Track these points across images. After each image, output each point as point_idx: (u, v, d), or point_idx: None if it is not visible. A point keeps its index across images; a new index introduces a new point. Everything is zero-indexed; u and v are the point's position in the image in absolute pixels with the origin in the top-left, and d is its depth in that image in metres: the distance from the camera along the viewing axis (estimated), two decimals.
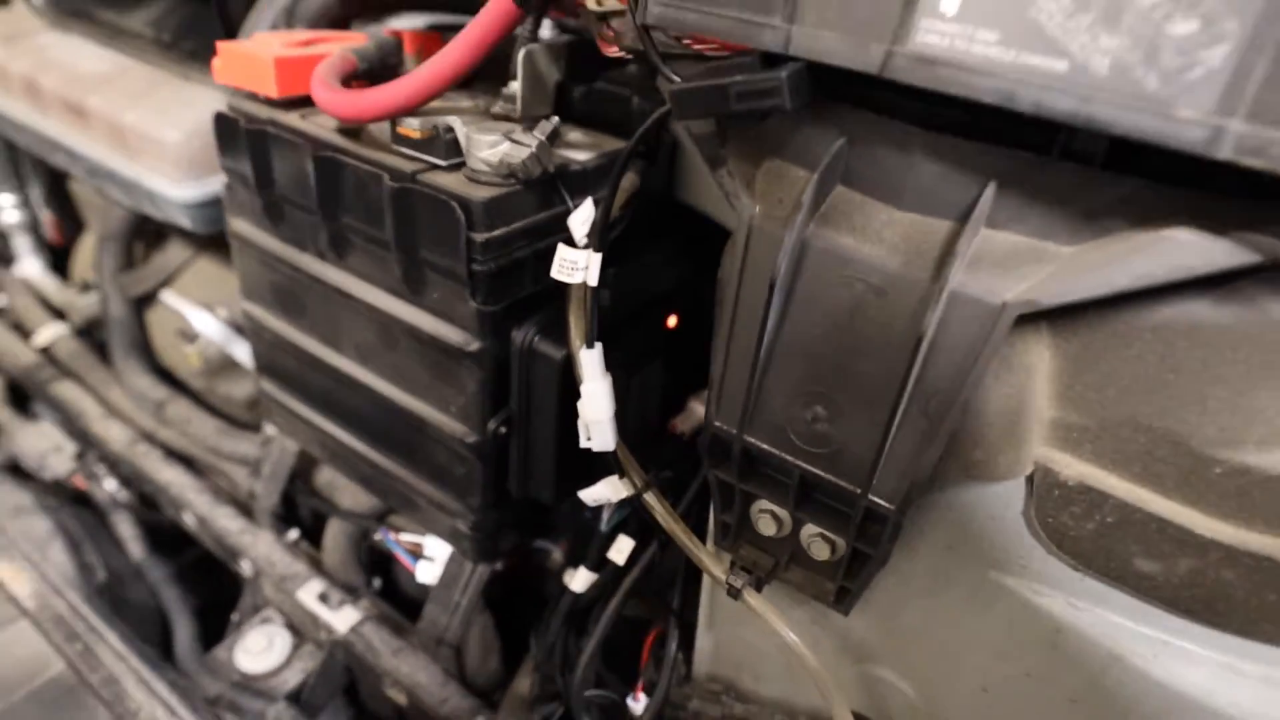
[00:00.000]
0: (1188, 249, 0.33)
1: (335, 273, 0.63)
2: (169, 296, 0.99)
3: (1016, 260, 0.36)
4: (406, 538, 0.79)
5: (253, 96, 0.65)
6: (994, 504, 0.44)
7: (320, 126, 0.60)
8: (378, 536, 0.81)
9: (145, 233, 1.10)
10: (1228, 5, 0.27)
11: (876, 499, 0.42)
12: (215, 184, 0.80)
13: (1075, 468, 0.40)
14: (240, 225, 0.70)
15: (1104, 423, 0.40)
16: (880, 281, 0.38)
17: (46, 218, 1.31)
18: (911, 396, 0.38)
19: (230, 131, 0.64)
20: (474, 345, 0.56)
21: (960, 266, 0.36)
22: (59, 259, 1.35)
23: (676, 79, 0.39)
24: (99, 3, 0.97)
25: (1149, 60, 0.29)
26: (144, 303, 1.09)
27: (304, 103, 0.63)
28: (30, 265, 1.29)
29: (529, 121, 0.57)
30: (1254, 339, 0.36)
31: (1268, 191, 0.31)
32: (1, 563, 0.83)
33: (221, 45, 0.65)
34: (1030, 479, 0.42)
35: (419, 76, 0.52)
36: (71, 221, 1.31)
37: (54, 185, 1.28)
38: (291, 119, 0.61)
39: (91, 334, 1.21)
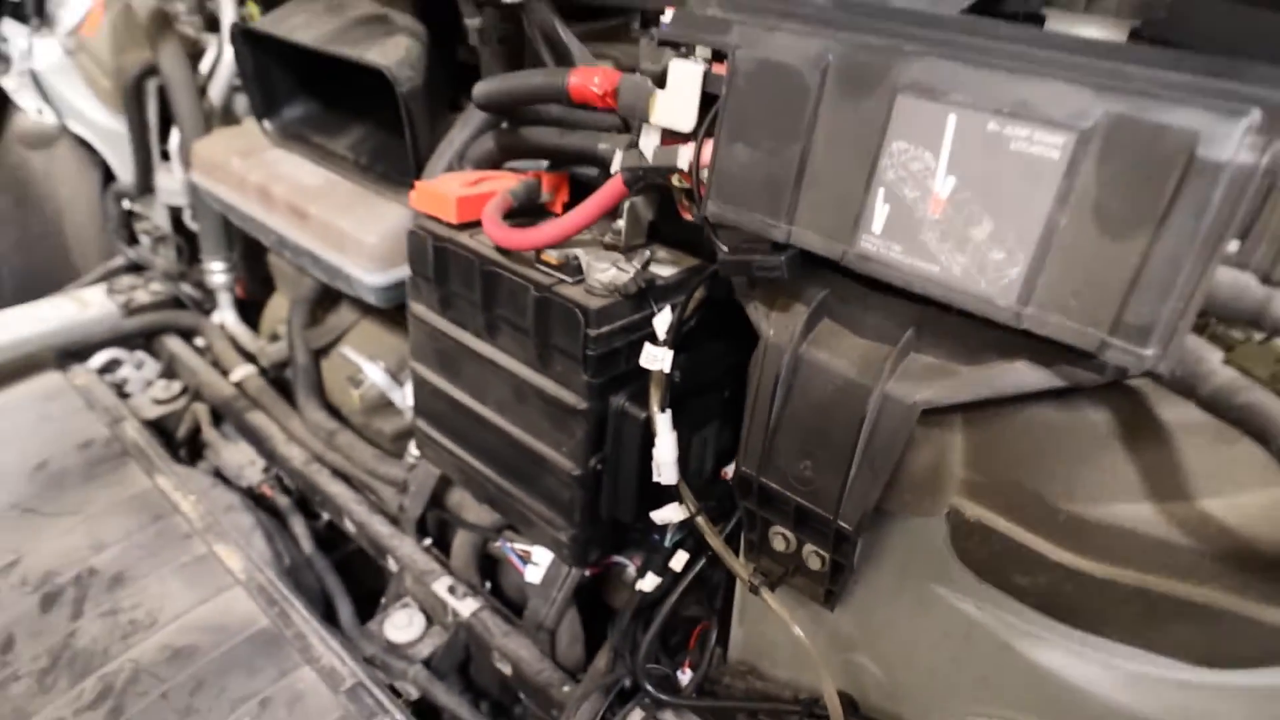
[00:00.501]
0: (1026, 374, 0.54)
1: (487, 347, 0.89)
2: (348, 350, 1.28)
3: (928, 374, 0.58)
4: (518, 546, 1.03)
5: (435, 220, 0.92)
6: (930, 535, 0.65)
7: (484, 245, 0.87)
8: (496, 545, 1.06)
9: (324, 300, 1.40)
10: (1019, 244, 0.49)
11: (842, 523, 0.63)
12: (395, 274, 1.08)
13: (975, 510, 0.61)
14: (418, 308, 0.97)
15: (994, 482, 0.61)
16: (844, 384, 0.60)
17: (237, 280, 1.66)
18: (862, 455, 0.60)
19: (419, 244, 0.91)
20: (583, 405, 0.80)
21: (890, 377, 0.58)
22: (242, 310, 1.69)
23: (724, 249, 0.63)
24: (313, 130, 1.29)
25: (980, 271, 0.51)
26: (320, 353, 1.39)
27: (473, 225, 0.90)
28: (228, 316, 1.63)
29: (630, 250, 0.82)
30: (1077, 432, 0.56)
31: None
32: (220, 545, 1.12)
33: (418, 184, 0.92)
34: (948, 516, 0.63)
35: (558, 226, 0.77)
36: (259, 285, 1.64)
37: (250, 256, 1.62)
38: (465, 239, 0.88)
39: (269, 374, 1.52)
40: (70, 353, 1.57)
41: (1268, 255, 0.46)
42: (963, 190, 0.50)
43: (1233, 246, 0.48)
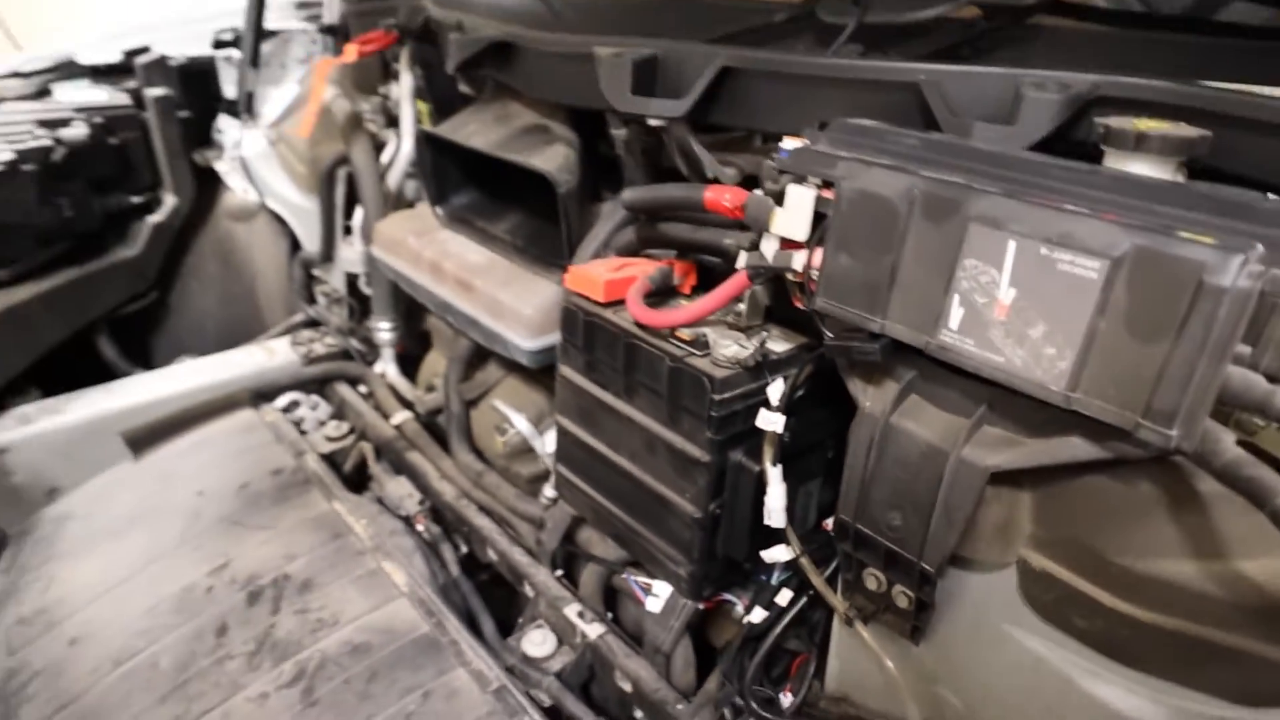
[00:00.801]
0: (1080, 447, 0.66)
1: (624, 405, 1.06)
2: (498, 402, 1.48)
3: (997, 443, 0.70)
4: (641, 579, 1.18)
5: (585, 298, 1.11)
6: (1003, 581, 0.76)
7: (626, 320, 1.04)
8: (620, 577, 1.21)
9: (475, 359, 1.61)
10: (1068, 342, 0.62)
11: (925, 565, 0.76)
12: (546, 340, 1.27)
13: (1041, 561, 0.72)
14: (566, 370, 1.15)
15: (1057, 537, 0.72)
16: (927, 448, 0.73)
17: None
18: (941, 508, 0.73)
19: (572, 318, 1.10)
20: (705, 458, 0.95)
21: (965, 444, 0.71)
22: (400, 364, 1.93)
23: (830, 335, 0.78)
24: (476, 215, 1.52)
25: (1037, 363, 0.64)
26: (470, 404, 1.60)
27: (617, 304, 1.08)
28: (390, 368, 1.88)
29: (749, 329, 0.98)
30: (1128, 497, 0.67)
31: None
32: (387, 563, 1.32)
33: (571, 268, 1.12)
34: (1018, 565, 0.74)
35: (692, 310, 0.94)
36: (415, 342, 1.89)
37: (410, 318, 1.87)
38: (610, 315, 1.06)
39: (423, 419, 1.74)
40: (261, 394, 1.85)
41: (1274, 359, 0.57)
42: (1022, 299, 0.64)
43: (1246, 350, 0.59)
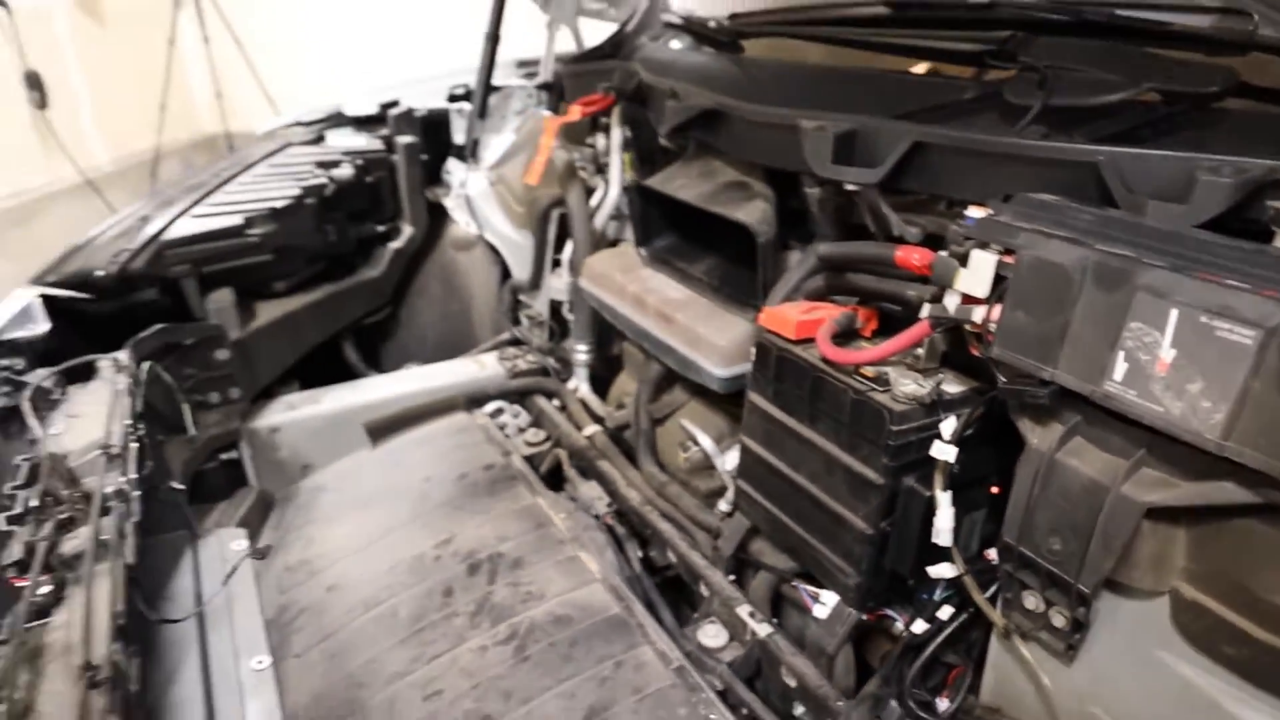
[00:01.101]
0: (1232, 491, 0.75)
1: (808, 431, 1.21)
2: (685, 422, 1.67)
3: (1154, 484, 0.80)
4: (809, 588, 1.32)
5: (778, 335, 1.27)
6: (1156, 608, 0.85)
7: (814, 357, 1.20)
8: (790, 585, 1.36)
9: (663, 382, 1.81)
10: (1222, 397, 0.72)
11: (1082, 586, 0.86)
12: (736, 369, 1.45)
13: (1193, 593, 0.81)
14: (755, 397, 1.32)
15: (1209, 571, 0.81)
16: (1089, 483, 0.84)
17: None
18: (1099, 537, 0.83)
19: (765, 352, 1.27)
20: (880, 481, 1.09)
21: (1125, 482, 0.81)
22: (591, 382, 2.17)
23: (1003, 380, 0.91)
24: (675, 256, 1.73)
25: (1194, 414, 0.74)
26: (656, 422, 1.80)
27: (806, 342, 1.23)
28: (583, 386, 2.12)
29: (926, 371, 1.11)
30: (1276, 539, 0.76)
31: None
32: (583, 553, 1.53)
33: (766, 309, 1.29)
34: (1170, 594, 0.83)
35: (878, 351, 1.08)
36: (604, 364, 2.13)
37: (603, 343, 2.11)
38: (800, 351, 1.22)
39: (610, 433, 1.96)
40: (473, 399, 2.14)
41: None
42: (1181, 358, 0.74)
43: None
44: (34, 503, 1.02)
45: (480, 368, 2.24)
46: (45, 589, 0.93)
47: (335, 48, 6.71)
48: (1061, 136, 1.06)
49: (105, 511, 1.03)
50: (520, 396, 2.19)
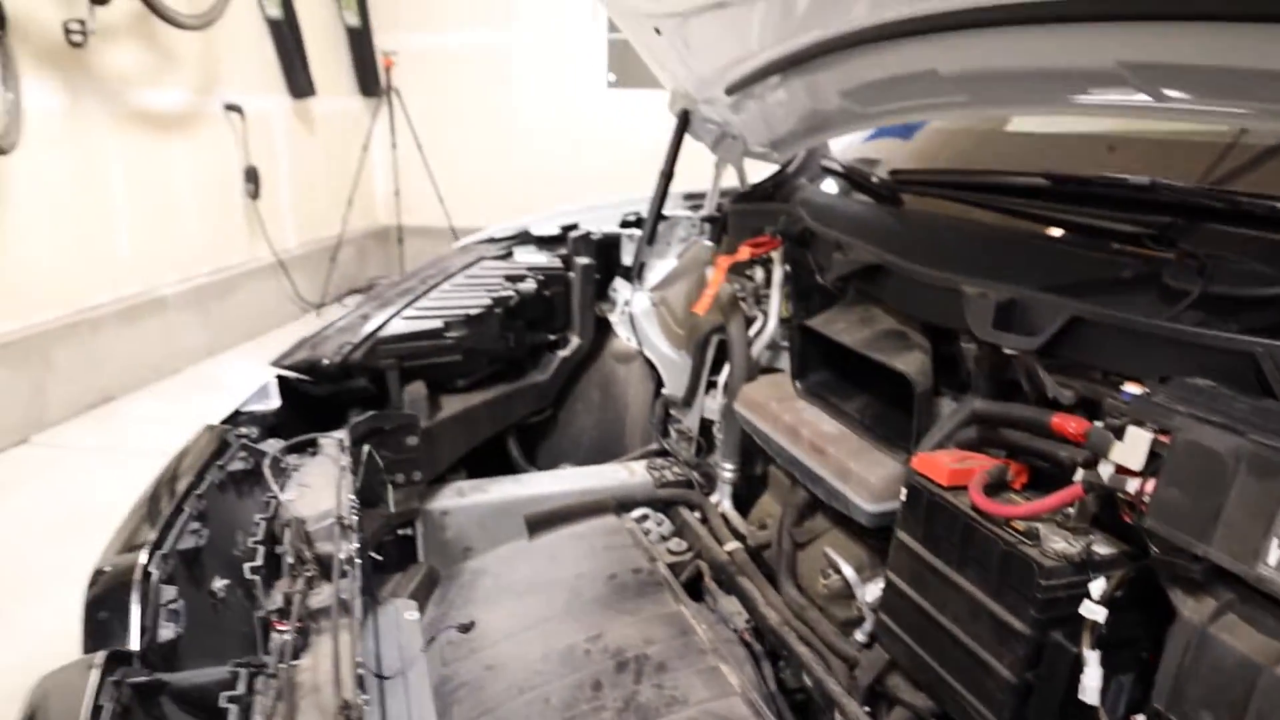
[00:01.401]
0: None
1: (955, 575, 1.28)
2: (829, 550, 1.76)
3: None
4: None
5: (929, 479, 1.36)
6: None
7: (964, 504, 1.28)
8: None
9: (807, 509, 1.91)
10: None
11: None
12: (885, 506, 1.54)
13: None
14: (903, 535, 1.40)
15: None
16: (1242, 659, 0.88)
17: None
18: (1253, 713, 0.87)
19: (916, 494, 1.36)
20: (1027, 632, 1.14)
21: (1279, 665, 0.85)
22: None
23: (1156, 550, 0.97)
24: (829, 392, 1.86)
25: None
26: (799, 546, 1.89)
27: (956, 489, 1.32)
28: (726, 503, 2.24)
29: (1077, 530, 1.17)
30: None
31: None
32: (723, 665, 1.62)
33: (919, 454, 1.38)
34: None
35: (1031, 508, 1.16)
36: (746, 484, 2.24)
37: (747, 464, 2.23)
38: (951, 497, 1.30)
39: (749, 550, 2.06)
40: (622, 504, 2.30)
41: None
42: None
43: None
44: (290, 560, 1.25)
45: (630, 474, 2.41)
46: (297, 635, 1.13)
47: (499, 161, 7.68)
48: (1218, 324, 1.14)
49: (343, 574, 1.24)
50: (666, 505, 2.33)
